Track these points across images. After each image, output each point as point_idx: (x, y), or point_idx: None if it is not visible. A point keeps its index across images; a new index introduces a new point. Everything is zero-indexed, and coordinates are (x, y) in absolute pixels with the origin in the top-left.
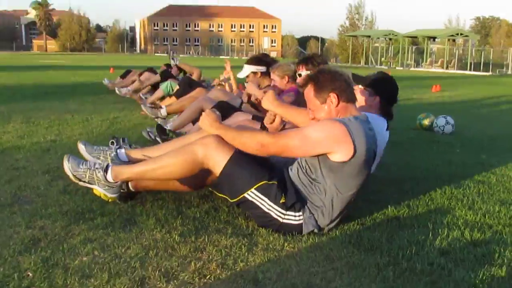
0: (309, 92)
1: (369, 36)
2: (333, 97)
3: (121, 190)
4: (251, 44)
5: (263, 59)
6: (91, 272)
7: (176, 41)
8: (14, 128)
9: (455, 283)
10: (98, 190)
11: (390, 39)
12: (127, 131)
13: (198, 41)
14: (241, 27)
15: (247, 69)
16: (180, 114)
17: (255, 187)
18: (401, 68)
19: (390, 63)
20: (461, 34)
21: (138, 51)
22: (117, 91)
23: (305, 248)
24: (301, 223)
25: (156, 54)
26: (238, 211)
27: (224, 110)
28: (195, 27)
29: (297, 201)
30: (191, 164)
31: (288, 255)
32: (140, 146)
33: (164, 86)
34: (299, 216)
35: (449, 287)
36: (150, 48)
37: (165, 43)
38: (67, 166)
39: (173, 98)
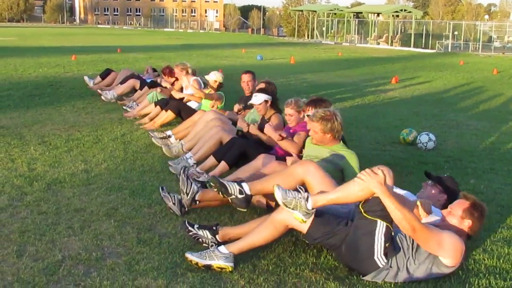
0: (463, 204)
1: (315, 11)
2: (468, 223)
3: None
4: (193, 14)
5: (270, 90)
6: None
7: (117, 11)
8: (37, 152)
9: None
10: (298, 215)
11: (335, 13)
12: (144, 154)
13: (139, 11)
14: None
15: (261, 97)
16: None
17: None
18: (348, 44)
19: (335, 37)
20: (405, 10)
21: (78, 21)
22: (103, 98)
23: None
24: (378, 268)
25: (99, 26)
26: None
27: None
28: None
29: (391, 253)
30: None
31: None
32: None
33: (149, 97)
34: (384, 262)
35: None
36: (91, 18)
37: (106, 13)
38: (278, 195)
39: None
